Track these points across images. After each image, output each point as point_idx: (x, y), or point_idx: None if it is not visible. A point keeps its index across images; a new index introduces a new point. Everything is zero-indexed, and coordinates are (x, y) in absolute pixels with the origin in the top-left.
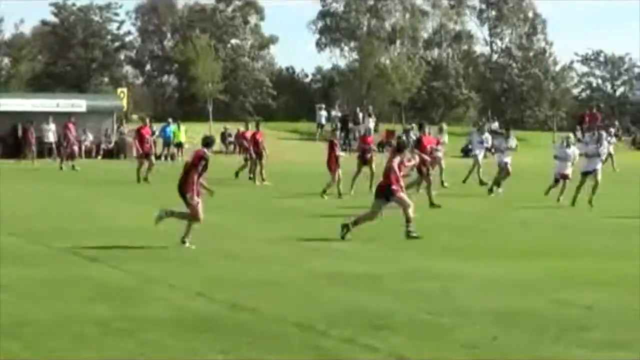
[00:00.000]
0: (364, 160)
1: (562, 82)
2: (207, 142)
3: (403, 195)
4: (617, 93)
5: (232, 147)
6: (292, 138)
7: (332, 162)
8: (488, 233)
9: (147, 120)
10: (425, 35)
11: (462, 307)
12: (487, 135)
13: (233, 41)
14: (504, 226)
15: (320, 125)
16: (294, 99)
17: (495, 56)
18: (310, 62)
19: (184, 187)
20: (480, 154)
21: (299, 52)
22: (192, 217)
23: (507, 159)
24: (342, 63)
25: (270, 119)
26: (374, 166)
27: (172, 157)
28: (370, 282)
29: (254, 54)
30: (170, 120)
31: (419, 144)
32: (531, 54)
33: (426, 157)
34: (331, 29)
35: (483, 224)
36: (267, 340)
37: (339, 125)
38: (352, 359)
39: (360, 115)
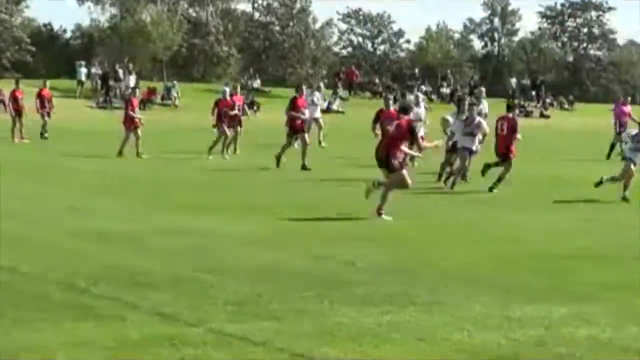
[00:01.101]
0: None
1: (323, 40)
2: (405, 108)
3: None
4: (378, 52)
5: None
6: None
7: (128, 121)
8: (249, 190)
9: None
10: None
11: (224, 264)
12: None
13: None
14: (271, 184)
15: (81, 83)
16: (53, 55)
17: (257, 14)
18: (71, 18)
19: (391, 154)
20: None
21: (59, 7)
22: (400, 183)
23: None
24: (102, 19)
25: (29, 76)
26: (240, 128)
27: None
28: (131, 240)
29: (12, 10)
30: None
31: (293, 105)
32: (293, 11)
33: (298, 116)
34: None
35: (245, 180)
36: (28, 300)
37: (99, 82)
38: (115, 316)
39: (121, 72)
